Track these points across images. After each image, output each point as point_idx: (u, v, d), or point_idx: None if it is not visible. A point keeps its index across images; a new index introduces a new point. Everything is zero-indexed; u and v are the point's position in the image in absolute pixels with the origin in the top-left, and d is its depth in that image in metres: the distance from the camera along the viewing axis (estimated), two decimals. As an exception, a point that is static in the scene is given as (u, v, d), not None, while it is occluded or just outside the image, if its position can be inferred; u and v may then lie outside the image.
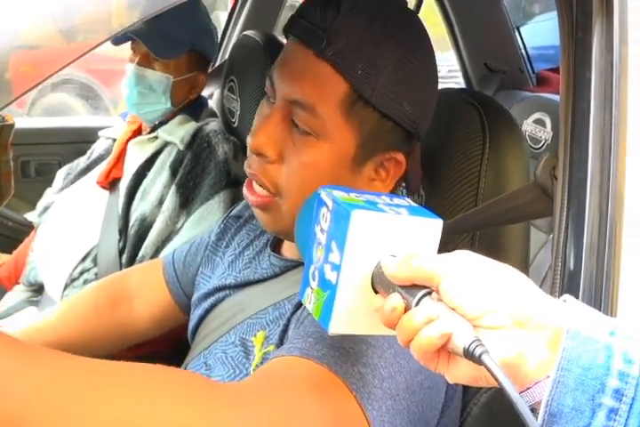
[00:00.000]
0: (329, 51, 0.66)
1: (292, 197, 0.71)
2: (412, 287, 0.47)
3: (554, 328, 0.44)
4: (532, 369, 0.44)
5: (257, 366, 0.73)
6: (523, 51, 2.36)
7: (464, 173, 0.83)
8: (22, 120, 2.33)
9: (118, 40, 1.40)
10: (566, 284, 0.68)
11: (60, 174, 1.62)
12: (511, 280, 0.46)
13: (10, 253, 1.65)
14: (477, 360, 0.43)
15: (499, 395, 0.81)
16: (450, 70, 4.12)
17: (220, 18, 2.99)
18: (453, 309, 0.45)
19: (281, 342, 0.72)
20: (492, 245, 0.83)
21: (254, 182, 0.74)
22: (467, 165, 0.83)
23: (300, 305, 0.73)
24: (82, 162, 1.58)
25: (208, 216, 1.34)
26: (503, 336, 0.44)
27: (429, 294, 0.47)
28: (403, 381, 0.64)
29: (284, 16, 1.86)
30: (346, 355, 0.62)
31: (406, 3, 0.74)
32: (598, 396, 0.42)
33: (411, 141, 0.74)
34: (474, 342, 0.43)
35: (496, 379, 0.42)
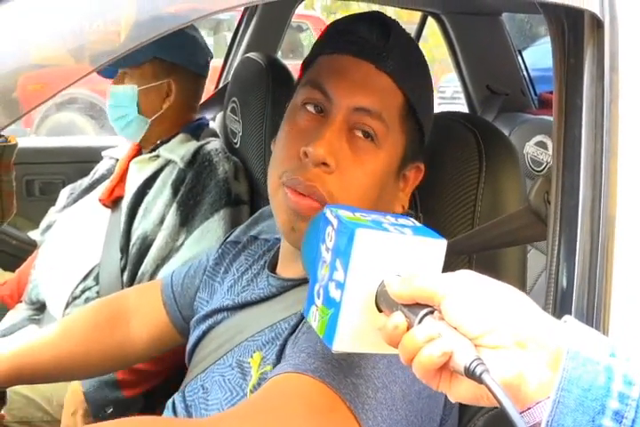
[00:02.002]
0: (389, 65, 0.73)
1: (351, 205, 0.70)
2: (414, 306, 0.48)
3: (554, 349, 0.45)
4: (533, 389, 0.44)
5: (254, 386, 0.73)
6: (525, 73, 2.38)
7: (461, 195, 0.84)
8: (27, 139, 2.35)
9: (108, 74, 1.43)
10: (559, 305, 0.68)
11: (64, 193, 1.63)
12: (512, 300, 0.47)
13: (13, 271, 1.65)
14: (478, 379, 0.43)
15: (494, 419, 0.81)
16: (455, 91, 4.13)
17: (227, 39, 3.03)
18: (455, 328, 0.46)
19: (278, 362, 0.72)
20: (489, 268, 0.83)
21: (297, 193, 0.72)
22: (463, 188, 0.84)
23: (296, 326, 0.74)
24: (85, 181, 1.60)
25: (208, 235, 1.34)
26: (504, 356, 0.44)
27: (432, 313, 0.47)
28: (398, 390, 0.64)
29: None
30: (338, 367, 0.63)
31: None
32: (598, 417, 0.42)
33: (421, 152, 0.80)
34: (474, 360, 0.44)
35: (496, 398, 0.42)
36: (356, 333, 0.51)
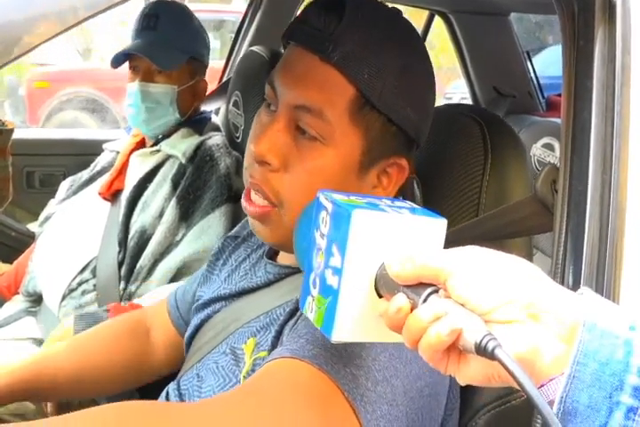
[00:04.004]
0: (335, 55, 0.66)
1: (294, 206, 0.69)
2: (417, 286, 0.45)
3: (570, 322, 0.42)
4: (547, 365, 0.42)
5: (247, 372, 0.72)
6: (532, 75, 2.36)
7: (465, 187, 0.82)
8: (28, 131, 2.34)
9: (117, 62, 1.41)
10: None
11: (64, 186, 1.62)
12: (523, 272, 0.44)
13: (11, 263, 1.64)
14: (490, 355, 0.41)
15: (495, 417, 0.78)
16: (462, 98, 4.14)
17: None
18: (462, 304, 0.43)
19: (273, 348, 0.70)
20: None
21: (253, 193, 0.72)
22: (468, 180, 0.82)
23: (293, 313, 0.72)
24: (85, 174, 1.58)
25: (208, 230, 1.33)
26: (516, 330, 0.42)
27: (436, 291, 0.45)
28: (400, 385, 0.61)
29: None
30: (338, 356, 0.61)
31: (401, 12, 0.73)
32: (616, 393, 0.40)
33: (411, 148, 0.74)
34: (485, 336, 0.41)
35: (511, 374, 0.40)
36: (357, 321, 0.49)
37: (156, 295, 1.29)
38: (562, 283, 0.67)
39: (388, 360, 0.62)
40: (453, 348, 0.44)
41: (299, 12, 0.73)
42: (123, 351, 0.99)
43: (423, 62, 0.72)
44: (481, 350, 0.42)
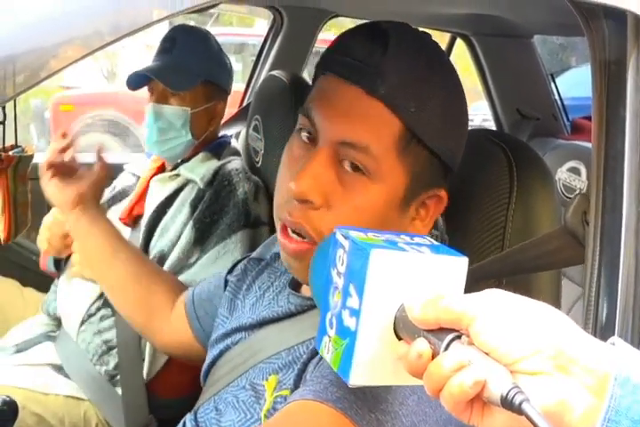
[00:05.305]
0: (381, 88, 0.64)
1: None
2: (439, 331, 0.44)
3: (600, 374, 0.40)
4: (576, 420, 0.40)
5: (268, 411, 0.70)
6: (557, 97, 2.32)
7: (490, 216, 0.80)
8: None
9: (136, 84, 1.42)
10: (598, 338, 0.62)
11: None
12: (551, 320, 0.42)
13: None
14: (517, 409, 0.39)
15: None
16: (483, 120, 4.13)
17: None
18: (487, 353, 0.41)
19: (296, 387, 0.68)
20: (520, 293, 0.78)
21: (289, 229, 0.69)
22: (493, 209, 0.79)
23: (317, 351, 0.69)
24: (106, 195, 1.58)
25: (224, 256, 1.31)
26: (544, 382, 0.40)
27: (459, 337, 0.43)
28: None
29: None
30: (363, 399, 0.58)
31: (431, 35, 0.71)
32: None
33: (447, 177, 0.72)
34: (512, 389, 0.40)
35: None
36: (375, 364, 0.47)
37: None
38: (595, 318, 0.64)
39: (416, 405, 0.59)
40: (477, 398, 0.42)
41: (337, 42, 0.70)
42: (153, 289, 1.04)
43: (458, 87, 0.70)
44: (507, 404, 0.40)
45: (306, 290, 0.79)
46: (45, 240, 1.41)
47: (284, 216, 0.68)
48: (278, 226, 0.71)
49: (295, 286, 0.81)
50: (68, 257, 1.44)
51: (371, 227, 0.63)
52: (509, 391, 0.39)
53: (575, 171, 1.88)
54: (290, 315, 0.77)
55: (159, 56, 1.43)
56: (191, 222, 1.34)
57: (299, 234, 0.67)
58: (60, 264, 1.53)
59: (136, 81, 1.41)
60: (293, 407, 0.61)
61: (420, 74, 0.66)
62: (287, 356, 0.73)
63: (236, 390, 0.77)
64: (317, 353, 0.68)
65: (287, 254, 0.70)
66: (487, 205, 0.80)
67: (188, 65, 1.39)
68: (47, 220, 1.42)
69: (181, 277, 1.31)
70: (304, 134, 0.69)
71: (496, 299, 0.43)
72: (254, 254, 0.95)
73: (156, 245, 1.37)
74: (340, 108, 0.65)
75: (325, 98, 0.67)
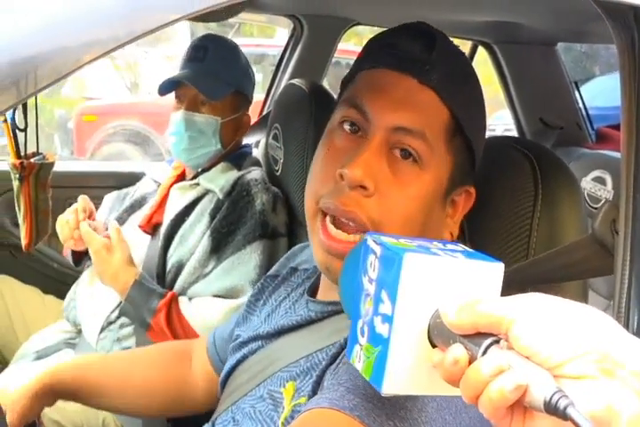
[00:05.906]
0: (434, 78, 0.67)
1: (393, 232, 0.65)
2: (475, 336, 0.42)
3: None
4: (624, 425, 0.37)
5: (286, 418, 0.68)
6: (581, 106, 2.29)
7: (514, 224, 0.78)
8: (69, 163, 2.39)
9: (164, 90, 1.42)
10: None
11: (106, 202, 1.62)
12: (596, 322, 0.40)
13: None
14: (562, 414, 0.37)
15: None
16: (505, 129, 4.11)
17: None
18: (527, 357, 0.40)
19: (314, 394, 0.67)
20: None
21: (333, 228, 0.68)
22: (517, 217, 0.78)
23: (335, 357, 0.69)
24: (127, 200, 1.58)
25: (239, 266, 1.31)
26: (589, 387, 0.38)
27: (497, 342, 0.41)
28: None
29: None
30: (381, 407, 0.57)
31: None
32: None
33: (472, 174, 0.73)
34: (556, 393, 0.38)
35: None
36: (409, 372, 0.46)
37: (199, 305, 1.29)
38: (625, 329, 0.61)
39: (435, 411, 0.57)
40: (518, 404, 0.40)
41: (381, 39, 0.73)
42: (165, 377, 0.98)
43: (483, 95, 0.75)
44: (551, 409, 0.38)
45: (324, 296, 0.78)
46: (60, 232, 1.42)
47: (335, 206, 0.67)
48: (317, 224, 0.69)
49: (313, 293, 0.80)
50: (87, 254, 1.44)
51: (416, 217, 0.67)
52: (553, 395, 0.38)
53: (600, 180, 1.85)
54: (310, 322, 0.76)
55: (190, 63, 1.42)
56: (208, 232, 1.34)
57: (345, 225, 0.67)
58: (80, 262, 1.53)
59: (165, 87, 1.41)
60: (309, 416, 0.60)
61: (465, 70, 0.72)
62: (305, 363, 0.72)
63: (254, 399, 0.76)
64: (335, 360, 0.68)
65: (329, 254, 0.68)
66: (511, 213, 0.78)
67: (220, 74, 1.40)
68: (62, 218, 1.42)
69: (196, 287, 1.31)
70: (347, 127, 0.70)
71: (536, 301, 0.41)
72: (270, 272, 0.95)
73: (174, 254, 1.37)
74: (394, 96, 0.67)
75: (378, 88, 0.68)
